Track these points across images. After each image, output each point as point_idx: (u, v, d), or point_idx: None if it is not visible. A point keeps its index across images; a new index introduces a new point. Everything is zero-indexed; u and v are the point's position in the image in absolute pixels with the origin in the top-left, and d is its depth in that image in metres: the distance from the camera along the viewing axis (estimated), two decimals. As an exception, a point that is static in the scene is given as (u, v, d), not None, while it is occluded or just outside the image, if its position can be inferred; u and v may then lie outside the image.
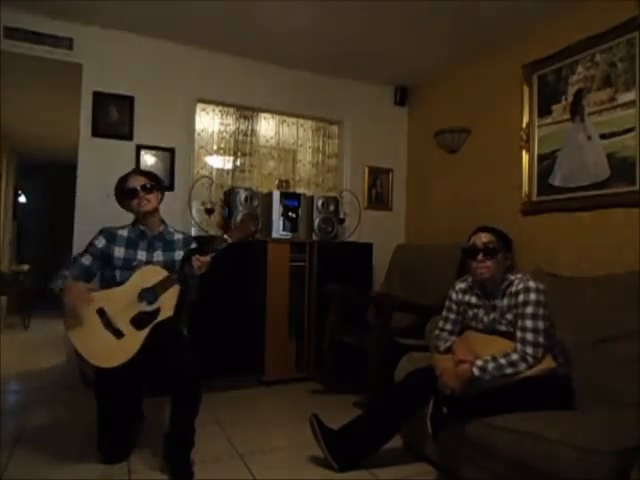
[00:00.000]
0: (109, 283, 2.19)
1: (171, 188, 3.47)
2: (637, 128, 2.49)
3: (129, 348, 2.02)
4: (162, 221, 2.33)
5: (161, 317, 2.07)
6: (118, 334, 2.04)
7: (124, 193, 2.24)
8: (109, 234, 2.23)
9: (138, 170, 2.46)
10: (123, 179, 2.27)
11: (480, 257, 2.00)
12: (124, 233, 2.25)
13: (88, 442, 2.21)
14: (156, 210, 2.28)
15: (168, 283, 2.09)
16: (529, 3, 2.81)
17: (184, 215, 3.47)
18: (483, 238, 2.04)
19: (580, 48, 2.78)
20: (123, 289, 2.11)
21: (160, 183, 2.35)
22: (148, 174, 2.34)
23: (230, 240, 2.14)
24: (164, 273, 2.12)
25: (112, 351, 2.02)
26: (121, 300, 2.07)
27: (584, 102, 2.77)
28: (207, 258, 2.10)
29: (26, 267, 6.45)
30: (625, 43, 2.56)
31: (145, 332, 2.04)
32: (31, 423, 2.62)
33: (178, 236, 2.35)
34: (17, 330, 5.53)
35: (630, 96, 2.53)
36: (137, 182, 2.22)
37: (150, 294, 2.08)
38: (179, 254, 2.29)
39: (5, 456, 2.14)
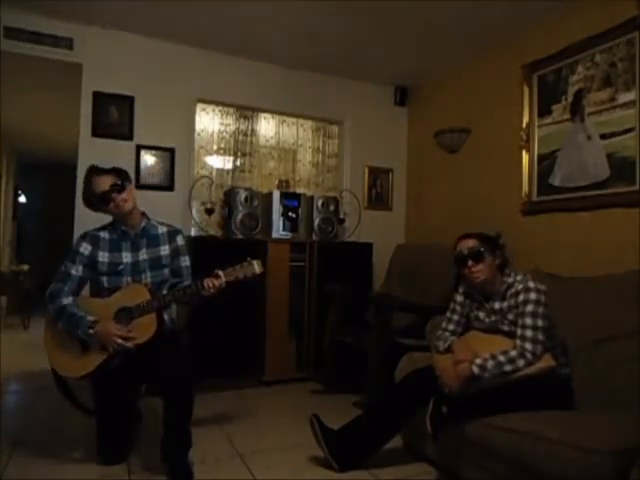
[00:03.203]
0: (97, 289, 2.14)
1: (171, 188, 3.48)
2: (637, 128, 2.49)
3: (87, 364, 1.99)
4: (143, 214, 2.24)
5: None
6: (85, 346, 2.00)
7: (96, 199, 2.09)
8: (93, 238, 2.14)
9: (100, 169, 2.15)
10: (88, 183, 2.11)
11: (470, 263, 2.01)
12: (106, 235, 2.16)
13: (88, 442, 2.20)
14: (134, 207, 2.17)
15: (146, 308, 2.00)
16: (529, 3, 2.81)
17: (184, 215, 3.48)
18: (468, 244, 2.04)
19: (580, 48, 2.78)
20: (104, 303, 2.06)
21: (128, 176, 2.19)
22: (113, 171, 2.15)
23: (223, 278, 2.02)
24: (147, 296, 2.02)
25: (73, 361, 2.01)
26: (99, 314, 2.00)
27: (584, 102, 2.77)
28: (222, 282, 2.01)
29: (26, 267, 6.45)
30: (625, 43, 2.56)
31: (104, 355, 1.97)
32: (31, 423, 2.62)
33: (162, 229, 2.26)
34: (17, 330, 5.53)
35: (630, 96, 2.53)
36: (106, 183, 2.08)
37: (126, 315, 2.00)
38: (165, 249, 2.23)
39: (5, 456, 2.14)
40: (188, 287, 2.06)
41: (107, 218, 2.24)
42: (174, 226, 2.36)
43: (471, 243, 2.04)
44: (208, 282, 2.00)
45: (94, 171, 2.15)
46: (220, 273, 2.04)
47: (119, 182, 2.11)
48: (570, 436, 1.57)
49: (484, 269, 2.00)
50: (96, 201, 2.11)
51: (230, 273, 2.05)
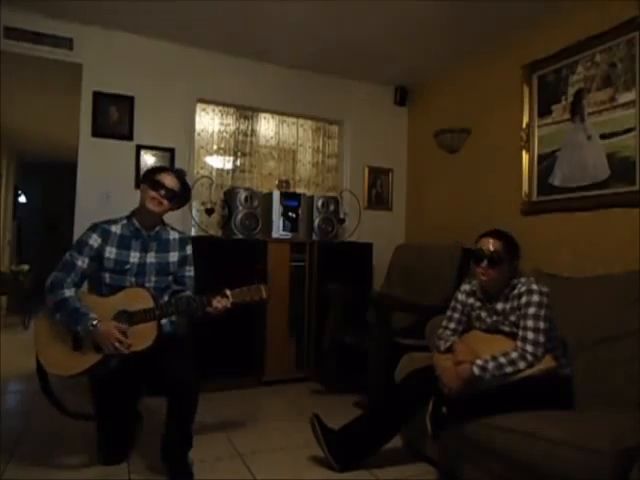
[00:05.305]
0: (98, 285, 2.08)
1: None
2: (637, 128, 2.49)
3: (78, 364, 1.94)
4: (161, 220, 2.22)
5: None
6: (77, 345, 1.95)
7: (149, 180, 2.10)
8: (103, 231, 2.08)
9: (178, 171, 2.23)
10: (158, 170, 2.18)
11: (484, 264, 1.96)
12: (117, 230, 2.11)
13: (88, 442, 2.21)
14: (160, 216, 2.17)
15: (148, 316, 1.94)
16: (529, 3, 2.81)
17: (184, 215, 3.47)
18: (491, 245, 1.97)
19: (580, 48, 2.78)
20: (103, 302, 2.00)
21: (184, 198, 2.22)
22: (183, 184, 2.20)
23: (230, 299, 2.00)
24: (149, 303, 1.97)
25: (63, 358, 1.95)
26: (97, 313, 1.93)
27: (584, 102, 2.77)
28: (229, 303, 1.99)
29: (26, 267, 6.45)
30: (625, 43, 2.56)
31: (99, 357, 1.93)
32: (31, 424, 2.62)
33: (174, 235, 2.23)
34: (17, 330, 5.53)
35: (630, 96, 2.53)
36: (167, 181, 2.09)
37: (126, 319, 1.95)
38: (174, 255, 2.20)
39: (5, 456, 2.14)
40: (193, 300, 2.02)
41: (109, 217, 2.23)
42: (185, 233, 2.34)
43: (495, 245, 1.97)
44: (217, 302, 1.98)
45: (173, 169, 2.33)
46: (228, 293, 2.02)
47: (173, 192, 2.11)
48: (570, 436, 1.57)
49: (495, 275, 1.97)
50: (147, 179, 2.12)
51: (237, 295, 2.03)
